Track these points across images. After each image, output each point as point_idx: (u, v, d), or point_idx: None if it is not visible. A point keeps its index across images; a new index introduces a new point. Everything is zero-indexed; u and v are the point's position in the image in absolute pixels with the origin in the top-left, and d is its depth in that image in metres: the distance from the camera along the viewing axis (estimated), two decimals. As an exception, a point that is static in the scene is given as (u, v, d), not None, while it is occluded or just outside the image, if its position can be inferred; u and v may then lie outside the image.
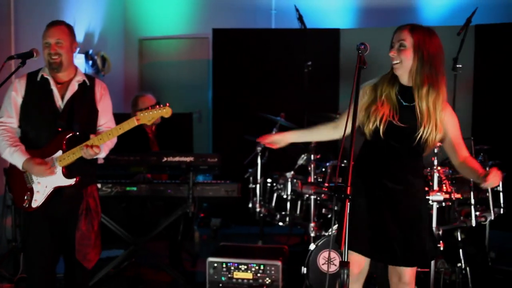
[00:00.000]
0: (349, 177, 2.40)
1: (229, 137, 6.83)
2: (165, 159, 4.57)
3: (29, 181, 3.52)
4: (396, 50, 3.06)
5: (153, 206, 5.32)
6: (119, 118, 3.63)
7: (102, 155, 3.59)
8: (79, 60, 6.93)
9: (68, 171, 3.48)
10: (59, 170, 3.47)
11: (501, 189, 4.72)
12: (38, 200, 3.50)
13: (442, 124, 3.07)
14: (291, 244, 6.09)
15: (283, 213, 5.15)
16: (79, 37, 6.97)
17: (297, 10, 5.42)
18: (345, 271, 2.26)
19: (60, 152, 3.46)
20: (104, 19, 7.52)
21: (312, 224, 4.69)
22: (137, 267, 5.18)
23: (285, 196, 5.21)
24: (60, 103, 3.53)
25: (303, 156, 5.04)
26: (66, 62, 3.53)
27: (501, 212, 4.72)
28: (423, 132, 3.04)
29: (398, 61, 3.05)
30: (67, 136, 3.45)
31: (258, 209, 5.30)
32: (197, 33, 7.82)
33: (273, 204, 5.29)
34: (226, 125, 6.93)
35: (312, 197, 4.66)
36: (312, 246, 4.41)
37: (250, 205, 5.46)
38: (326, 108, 6.29)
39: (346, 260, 2.33)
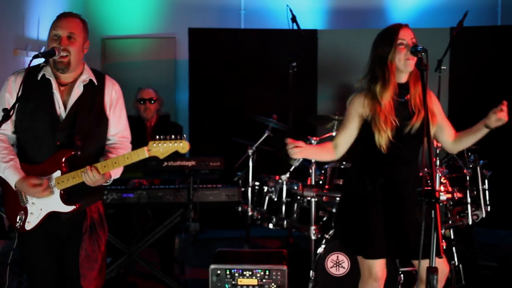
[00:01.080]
0: (434, 182, 2.37)
1: (208, 139, 6.68)
2: (165, 163, 4.37)
3: (23, 200, 3.03)
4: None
5: (139, 213, 5.11)
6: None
7: (116, 176, 3.11)
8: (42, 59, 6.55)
9: (67, 196, 2.99)
10: (57, 192, 2.98)
11: (487, 187, 4.85)
12: (31, 222, 3.02)
13: (433, 112, 3.20)
14: (276, 247, 6.04)
15: (281, 216, 5.06)
16: (43, 36, 6.59)
17: (290, 10, 5.35)
18: (434, 277, 2.21)
19: (58, 173, 2.95)
20: (66, 17, 7.15)
21: (313, 227, 4.63)
22: (125, 276, 4.95)
23: (276, 199, 5.14)
24: (61, 110, 2.99)
25: (299, 159, 4.96)
26: (74, 62, 2.99)
27: (489, 210, 4.85)
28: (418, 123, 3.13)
29: (413, 61, 3.09)
30: (67, 156, 2.94)
31: (250, 213, 5.18)
32: (163, 32, 7.57)
33: (265, 207, 5.18)
34: (205, 127, 6.76)
35: (313, 199, 4.60)
36: (320, 249, 4.37)
37: (240, 208, 5.33)
38: (306, 109, 6.30)
39: (433, 265, 2.28)
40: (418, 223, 3.10)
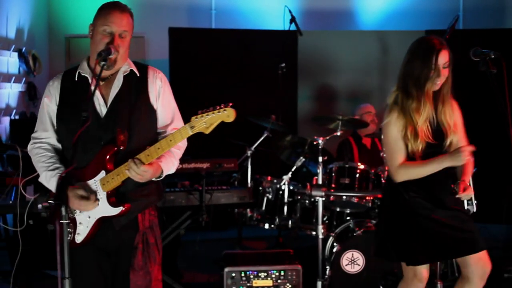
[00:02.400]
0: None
1: (193, 140, 6.57)
2: (180, 166, 4.26)
3: (71, 210, 2.74)
4: (445, 70, 3.19)
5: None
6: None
7: (170, 170, 2.81)
8: (13, 58, 6.22)
9: (114, 197, 2.72)
10: (103, 196, 2.70)
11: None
12: (81, 233, 2.74)
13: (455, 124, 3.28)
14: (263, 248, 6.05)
15: (284, 216, 5.07)
16: (11, 33, 6.26)
17: (290, 11, 5.37)
18: None
19: (103, 173, 2.69)
20: (31, 15, 6.82)
21: (321, 226, 4.68)
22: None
23: (273, 199, 5.15)
24: (101, 106, 2.74)
25: (301, 158, 5.01)
26: (120, 61, 2.75)
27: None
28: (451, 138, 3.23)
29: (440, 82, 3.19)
30: (110, 153, 2.68)
31: (249, 214, 5.17)
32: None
33: (263, 207, 5.19)
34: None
35: (321, 199, 4.65)
36: (336, 248, 4.44)
37: (236, 209, 5.30)
38: (288, 110, 6.35)
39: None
40: (459, 220, 3.23)
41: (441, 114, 3.22)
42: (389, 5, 7.52)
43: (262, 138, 5.20)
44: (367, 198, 4.75)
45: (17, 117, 6.28)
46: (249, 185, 5.19)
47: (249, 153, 5.23)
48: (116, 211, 2.69)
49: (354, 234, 4.43)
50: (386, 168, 4.17)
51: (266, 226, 5.19)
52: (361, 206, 4.83)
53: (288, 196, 5.10)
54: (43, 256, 4.80)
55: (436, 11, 7.37)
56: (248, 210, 5.18)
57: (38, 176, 4.06)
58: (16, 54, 6.25)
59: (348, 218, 4.90)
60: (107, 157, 2.68)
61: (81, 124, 2.44)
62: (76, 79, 2.79)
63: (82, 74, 2.77)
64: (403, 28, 7.07)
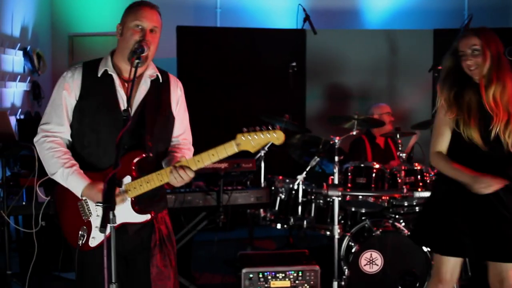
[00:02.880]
0: None
1: (200, 140, 6.52)
2: (198, 167, 4.21)
3: (85, 212, 2.67)
4: (471, 56, 3.16)
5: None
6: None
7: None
8: (18, 57, 6.13)
9: (139, 203, 2.66)
10: (128, 201, 2.63)
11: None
12: (97, 237, 2.64)
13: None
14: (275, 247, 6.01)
15: (298, 216, 5.03)
16: (16, 32, 6.17)
17: (304, 10, 5.33)
18: None
19: (128, 179, 2.62)
20: (34, 13, 6.73)
21: (337, 226, 4.64)
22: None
23: (285, 199, 5.11)
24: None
25: (316, 158, 4.97)
26: (150, 59, 2.69)
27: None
28: (497, 126, 3.12)
29: (475, 67, 3.17)
30: (138, 159, 2.62)
31: (262, 214, 5.12)
32: (136, 30, 7.31)
33: (276, 208, 5.14)
34: (195, 127, 6.59)
35: (337, 199, 4.61)
36: (354, 248, 4.41)
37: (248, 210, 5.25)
38: (295, 109, 6.30)
39: None
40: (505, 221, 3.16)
41: (488, 95, 3.12)
42: (396, 4, 7.50)
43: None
44: (383, 197, 4.73)
45: (22, 116, 6.19)
46: (263, 185, 5.15)
47: (262, 152, 5.18)
48: (142, 218, 2.65)
49: (373, 234, 4.40)
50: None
51: (279, 226, 5.16)
52: (377, 206, 4.80)
53: (302, 196, 5.06)
54: (55, 258, 4.73)
55: (443, 10, 7.37)
56: (261, 210, 5.14)
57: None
58: (21, 52, 6.16)
59: (363, 218, 4.87)
60: (134, 162, 2.62)
61: (122, 123, 2.37)
62: (99, 76, 2.69)
63: (109, 72, 2.69)
64: (410, 27, 7.06)
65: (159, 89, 2.75)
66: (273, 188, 5.18)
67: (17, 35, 6.20)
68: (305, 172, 5.02)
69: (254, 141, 2.51)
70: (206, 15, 7.33)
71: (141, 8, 2.69)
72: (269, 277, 4.32)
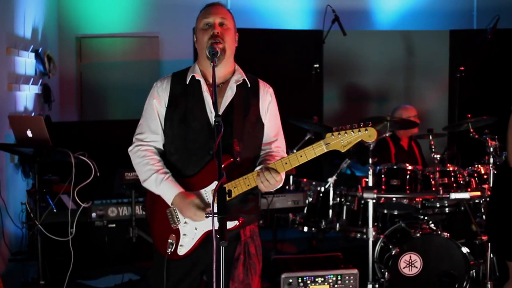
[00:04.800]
0: None
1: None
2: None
3: (174, 220, 2.62)
4: None
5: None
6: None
7: (280, 184, 2.63)
8: (30, 59, 5.97)
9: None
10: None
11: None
12: (185, 245, 2.61)
13: None
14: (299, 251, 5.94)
15: (329, 219, 4.98)
16: (28, 34, 6.01)
17: (333, 11, 5.27)
18: None
19: (216, 184, 2.47)
20: (43, 15, 6.56)
21: (371, 228, 4.61)
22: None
23: (313, 202, 5.07)
24: (213, 115, 2.54)
25: (346, 160, 4.93)
26: (229, 53, 2.63)
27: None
28: None
29: None
30: (226, 164, 2.51)
31: (291, 217, 5.06)
32: (145, 31, 7.18)
33: (305, 211, 5.09)
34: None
35: (372, 201, 4.57)
36: (394, 250, 4.37)
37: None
38: (313, 110, 6.26)
39: None
40: None
41: None
42: (408, 4, 7.50)
43: (304, 140, 5.08)
44: (417, 199, 4.71)
45: (34, 120, 6.03)
46: (291, 188, 5.09)
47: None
48: (230, 225, 2.53)
49: (413, 236, 4.37)
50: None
51: (305, 229, 5.11)
52: (410, 208, 4.78)
53: (324, 199, 5.02)
54: (80, 266, 4.62)
55: (454, 11, 7.39)
56: (290, 213, 5.08)
57: (89, 183, 3.93)
58: (33, 55, 6.00)
59: (396, 220, 4.84)
60: (222, 167, 2.48)
61: (216, 131, 2.29)
62: (187, 82, 2.68)
63: (196, 78, 2.66)
64: (423, 28, 7.07)
65: (247, 94, 2.70)
66: (303, 191, 5.13)
67: (29, 37, 6.04)
68: (336, 174, 4.99)
69: (344, 139, 2.45)
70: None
71: (206, 8, 2.70)
72: (308, 282, 4.26)
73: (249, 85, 2.72)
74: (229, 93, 2.66)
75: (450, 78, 6.60)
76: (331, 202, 5.01)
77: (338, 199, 5.03)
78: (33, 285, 4.28)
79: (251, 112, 2.69)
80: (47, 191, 4.26)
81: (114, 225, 4.20)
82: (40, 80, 6.26)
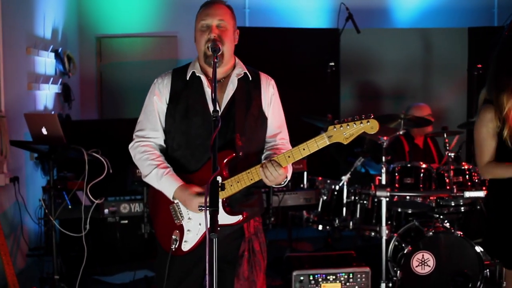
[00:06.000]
0: None
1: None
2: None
3: (177, 216, 2.63)
4: None
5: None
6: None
7: (289, 178, 2.63)
8: (50, 59, 6.07)
9: (230, 204, 2.59)
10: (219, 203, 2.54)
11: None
12: (189, 241, 2.61)
13: None
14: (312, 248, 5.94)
15: (343, 217, 4.97)
16: (48, 34, 6.12)
17: (347, 9, 5.26)
18: None
19: (219, 179, 2.53)
20: (63, 15, 6.67)
21: (385, 227, 4.58)
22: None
23: (328, 200, 5.05)
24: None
25: (360, 158, 4.91)
26: (227, 54, 2.61)
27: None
28: None
29: None
30: (228, 158, 2.55)
31: (305, 216, 5.06)
32: (163, 31, 7.24)
33: (319, 209, 5.08)
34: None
35: (385, 199, 4.54)
36: (406, 249, 4.34)
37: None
38: (330, 108, 6.25)
39: None
40: None
41: None
42: (427, 2, 7.42)
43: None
44: (431, 198, 4.67)
45: (54, 119, 6.13)
46: (306, 186, 5.10)
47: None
48: (233, 219, 2.56)
49: (425, 235, 4.34)
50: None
51: (320, 227, 5.10)
52: (425, 206, 4.74)
53: (339, 197, 5.00)
54: (96, 262, 4.69)
55: (473, 8, 7.30)
56: (304, 211, 5.08)
57: (102, 179, 3.98)
58: (53, 54, 6.10)
59: (410, 218, 4.81)
60: (224, 162, 2.55)
61: (213, 126, 2.30)
62: (188, 78, 2.68)
63: (197, 74, 2.67)
64: (442, 25, 7.00)
65: (248, 88, 2.70)
66: (316, 188, 5.14)
67: (49, 37, 6.15)
68: (349, 173, 4.97)
69: (346, 131, 2.45)
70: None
71: (204, 7, 2.66)
72: (320, 279, 4.27)
73: (250, 78, 2.72)
74: (231, 87, 2.67)
75: (468, 76, 6.52)
76: (345, 200, 4.99)
77: (352, 197, 5.01)
78: (48, 280, 4.36)
79: (253, 106, 2.68)
80: (62, 188, 4.33)
81: (126, 221, 4.24)
82: (60, 80, 6.36)
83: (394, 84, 6.83)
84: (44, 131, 4.09)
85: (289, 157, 2.49)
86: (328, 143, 2.47)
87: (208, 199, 2.02)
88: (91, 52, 7.26)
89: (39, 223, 4.81)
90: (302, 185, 5.05)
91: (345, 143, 2.46)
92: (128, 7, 7.23)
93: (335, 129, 2.45)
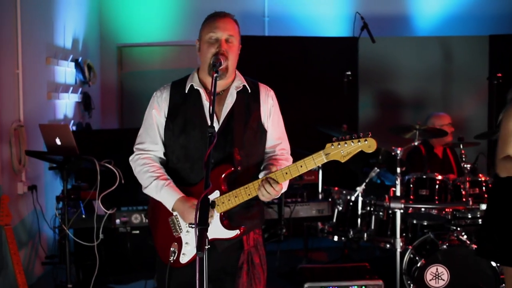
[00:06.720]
0: None
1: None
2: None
3: (176, 228, 2.64)
4: None
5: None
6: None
7: (284, 190, 2.62)
8: (70, 68, 6.16)
9: (228, 219, 2.60)
10: (216, 216, 2.57)
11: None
12: (187, 254, 2.61)
13: None
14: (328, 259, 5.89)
15: (358, 228, 4.92)
16: (68, 43, 6.21)
17: (362, 18, 5.23)
18: None
19: (217, 193, 2.55)
20: (84, 24, 6.78)
21: (399, 239, 4.52)
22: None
23: (343, 211, 5.01)
24: (214, 123, 2.46)
25: (375, 169, 4.86)
26: (231, 69, 2.62)
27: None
28: None
29: None
30: (226, 173, 2.55)
31: (320, 226, 5.03)
32: (183, 40, 7.29)
33: (334, 220, 5.04)
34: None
35: (399, 211, 4.49)
36: (420, 262, 4.28)
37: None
38: (348, 118, 6.20)
39: None
40: None
41: None
42: (447, 9, 7.32)
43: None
44: (446, 210, 4.59)
45: (74, 128, 6.22)
46: (320, 196, 5.06)
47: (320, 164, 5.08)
48: (231, 233, 2.57)
49: (439, 248, 4.27)
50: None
51: (335, 238, 5.06)
52: (440, 218, 4.67)
53: (361, 208, 4.95)
54: (110, 271, 4.73)
55: (495, 15, 7.17)
56: (319, 222, 5.05)
57: (114, 190, 4.02)
58: (73, 64, 6.20)
59: (425, 230, 4.74)
60: (222, 176, 2.55)
61: (208, 142, 2.30)
62: (186, 92, 2.68)
63: (195, 87, 2.67)
64: (462, 33, 6.90)
65: (247, 100, 2.69)
66: (330, 199, 5.09)
67: (69, 47, 6.24)
68: (364, 183, 4.92)
69: (344, 150, 2.43)
70: (253, 24, 7.26)
71: (214, 19, 2.66)
72: (332, 292, 4.24)
73: (249, 91, 2.71)
74: (229, 100, 2.66)
75: (489, 85, 6.40)
76: (360, 211, 4.94)
77: (368, 208, 4.96)
78: (61, 288, 4.42)
79: (252, 119, 2.67)
80: (75, 197, 4.38)
81: (137, 232, 4.27)
82: (80, 89, 6.45)
83: (413, 93, 6.75)
84: (58, 141, 4.15)
85: (286, 173, 2.49)
86: (325, 160, 2.46)
87: (197, 217, 2.01)
88: (111, 61, 7.35)
89: (54, 232, 4.88)
90: (317, 196, 5.01)
91: (342, 161, 2.44)
92: (148, 16, 7.30)
93: (332, 147, 2.44)
